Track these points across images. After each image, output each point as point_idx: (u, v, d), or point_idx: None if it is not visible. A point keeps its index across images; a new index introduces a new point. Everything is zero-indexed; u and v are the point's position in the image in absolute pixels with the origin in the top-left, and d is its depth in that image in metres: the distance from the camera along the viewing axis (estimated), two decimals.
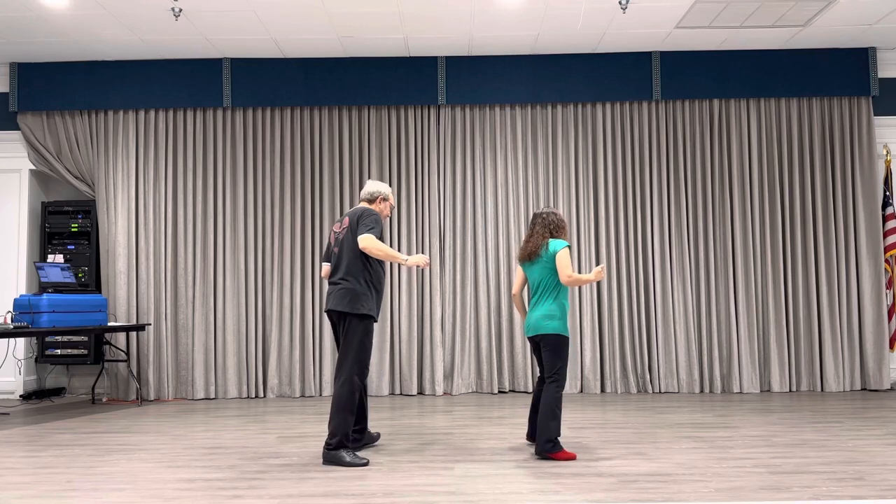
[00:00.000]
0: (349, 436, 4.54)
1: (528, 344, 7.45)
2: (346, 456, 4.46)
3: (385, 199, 4.89)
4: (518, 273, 4.97)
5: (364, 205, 4.84)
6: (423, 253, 7.58)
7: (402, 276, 7.55)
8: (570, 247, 4.78)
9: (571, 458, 4.55)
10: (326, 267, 4.88)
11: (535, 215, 4.84)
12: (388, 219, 5.09)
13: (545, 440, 4.55)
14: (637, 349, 7.44)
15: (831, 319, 7.37)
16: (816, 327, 7.39)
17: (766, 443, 4.95)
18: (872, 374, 7.33)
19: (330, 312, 4.66)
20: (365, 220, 4.61)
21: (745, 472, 4.18)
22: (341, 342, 4.63)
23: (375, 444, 5.04)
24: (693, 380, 7.38)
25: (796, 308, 7.42)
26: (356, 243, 4.59)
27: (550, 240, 4.70)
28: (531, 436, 4.90)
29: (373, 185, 4.91)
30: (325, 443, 4.54)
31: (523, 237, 5.04)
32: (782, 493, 3.74)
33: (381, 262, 4.73)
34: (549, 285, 4.66)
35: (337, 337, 4.71)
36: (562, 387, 4.62)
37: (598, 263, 7.55)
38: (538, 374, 4.78)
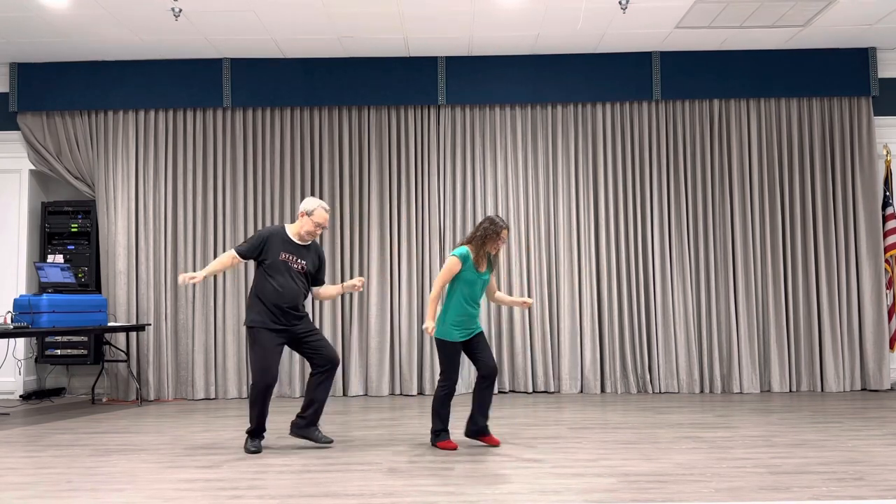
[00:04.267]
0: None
1: (527, 344, 7.45)
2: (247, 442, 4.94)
3: (308, 214, 4.94)
4: None
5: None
6: (422, 253, 7.59)
7: (401, 276, 7.54)
8: (459, 256, 4.81)
9: (451, 447, 4.86)
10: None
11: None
12: (318, 233, 5.02)
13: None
14: (637, 349, 7.44)
15: (831, 319, 7.37)
16: (816, 327, 7.38)
17: (766, 443, 4.95)
18: (872, 374, 7.32)
19: None
20: None
21: (745, 472, 4.18)
22: None
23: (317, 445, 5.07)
24: (693, 380, 7.38)
25: (796, 308, 7.42)
26: None
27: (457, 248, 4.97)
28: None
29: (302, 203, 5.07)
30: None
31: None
32: (782, 493, 3.74)
33: (268, 275, 4.90)
34: (447, 293, 4.91)
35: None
36: (446, 387, 4.87)
37: (597, 263, 7.54)
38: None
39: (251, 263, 7.48)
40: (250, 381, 4.98)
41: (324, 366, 4.97)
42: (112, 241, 7.54)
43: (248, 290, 5.03)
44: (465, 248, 4.85)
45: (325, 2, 6.30)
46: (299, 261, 4.96)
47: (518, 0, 6.34)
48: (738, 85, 7.54)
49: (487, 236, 4.84)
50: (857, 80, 7.51)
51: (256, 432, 4.96)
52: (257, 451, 4.88)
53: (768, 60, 7.53)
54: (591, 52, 7.60)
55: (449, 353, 4.86)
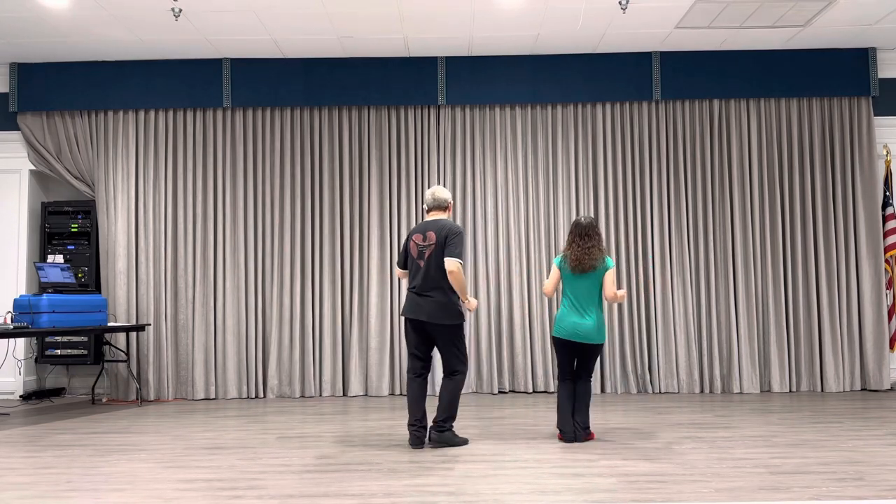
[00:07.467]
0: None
1: (527, 344, 7.43)
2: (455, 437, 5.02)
3: (451, 206, 5.22)
4: (556, 275, 5.19)
5: (440, 215, 5.09)
6: None
7: None
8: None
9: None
10: (402, 271, 5.20)
11: (588, 226, 5.10)
12: None
13: (586, 426, 5.08)
14: (637, 349, 7.43)
15: (831, 319, 7.37)
16: (816, 327, 7.38)
17: (766, 443, 4.95)
18: (872, 374, 7.32)
19: (421, 322, 4.94)
20: (453, 240, 4.91)
21: (745, 472, 4.18)
22: (440, 346, 5.00)
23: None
24: (693, 380, 7.38)
25: (796, 308, 7.42)
26: (443, 260, 4.88)
27: (606, 256, 5.13)
28: (572, 434, 5.06)
29: (445, 192, 5.15)
30: (438, 424, 4.95)
31: (570, 245, 5.09)
32: (782, 493, 3.74)
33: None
34: (598, 296, 5.12)
35: (417, 341, 5.02)
36: None
37: None
38: (557, 374, 5.32)
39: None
40: (460, 373, 4.98)
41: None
42: (112, 241, 7.54)
43: (440, 292, 4.93)
44: (610, 259, 5.18)
45: (324, 2, 6.30)
46: None
47: (518, 0, 6.34)
48: (738, 85, 7.54)
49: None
50: (857, 80, 7.51)
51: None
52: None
53: (768, 60, 7.53)
54: (590, 53, 7.60)
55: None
